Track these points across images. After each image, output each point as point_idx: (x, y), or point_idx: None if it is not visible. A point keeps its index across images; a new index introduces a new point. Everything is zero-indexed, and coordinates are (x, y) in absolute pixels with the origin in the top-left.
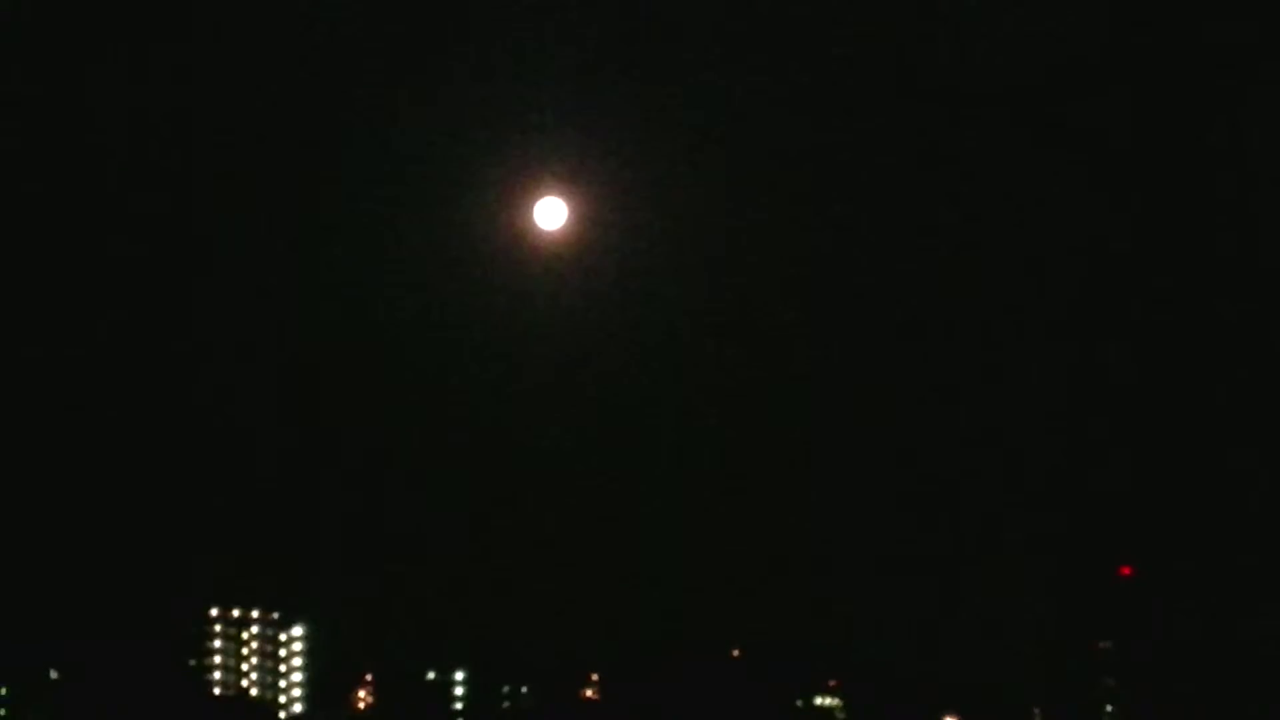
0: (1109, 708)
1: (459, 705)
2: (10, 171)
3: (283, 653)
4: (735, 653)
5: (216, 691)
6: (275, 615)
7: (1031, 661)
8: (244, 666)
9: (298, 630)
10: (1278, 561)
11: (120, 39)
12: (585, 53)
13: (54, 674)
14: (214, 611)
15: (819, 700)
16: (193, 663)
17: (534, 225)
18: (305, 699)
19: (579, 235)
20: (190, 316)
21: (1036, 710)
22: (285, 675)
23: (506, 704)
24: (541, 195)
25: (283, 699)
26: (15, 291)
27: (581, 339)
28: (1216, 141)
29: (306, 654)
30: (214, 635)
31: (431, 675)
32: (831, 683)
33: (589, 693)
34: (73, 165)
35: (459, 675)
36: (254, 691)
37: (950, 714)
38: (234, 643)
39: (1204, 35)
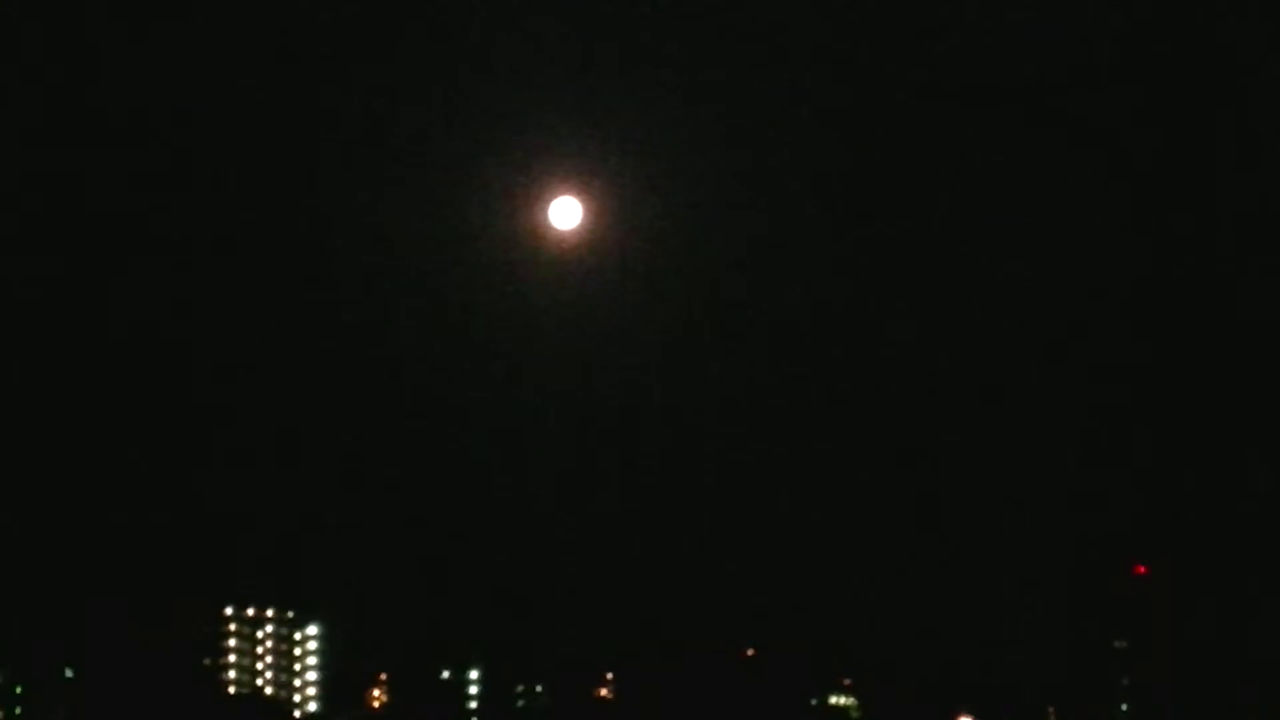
0: (1124, 707)
1: (473, 704)
2: (9, 171)
3: (297, 652)
4: (749, 652)
5: (231, 691)
6: (290, 614)
7: (1046, 660)
8: (259, 666)
9: (312, 629)
10: None
11: (119, 37)
12: (602, 49)
13: (69, 672)
14: (228, 611)
15: (833, 699)
16: (207, 662)
17: (548, 225)
18: (320, 698)
19: (594, 235)
20: (201, 316)
21: (1051, 709)
22: (300, 674)
23: (521, 703)
24: (556, 194)
25: (297, 698)
26: (21, 292)
27: (596, 339)
28: (1233, 142)
29: (321, 653)
30: (228, 634)
31: (446, 674)
32: (846, 681)
33: (603, 692)
34: (71, 165)
35: (473, 674)
36: (269, 691)
37: (965, 713)
38: (249, 642)
39: (1220, 34)
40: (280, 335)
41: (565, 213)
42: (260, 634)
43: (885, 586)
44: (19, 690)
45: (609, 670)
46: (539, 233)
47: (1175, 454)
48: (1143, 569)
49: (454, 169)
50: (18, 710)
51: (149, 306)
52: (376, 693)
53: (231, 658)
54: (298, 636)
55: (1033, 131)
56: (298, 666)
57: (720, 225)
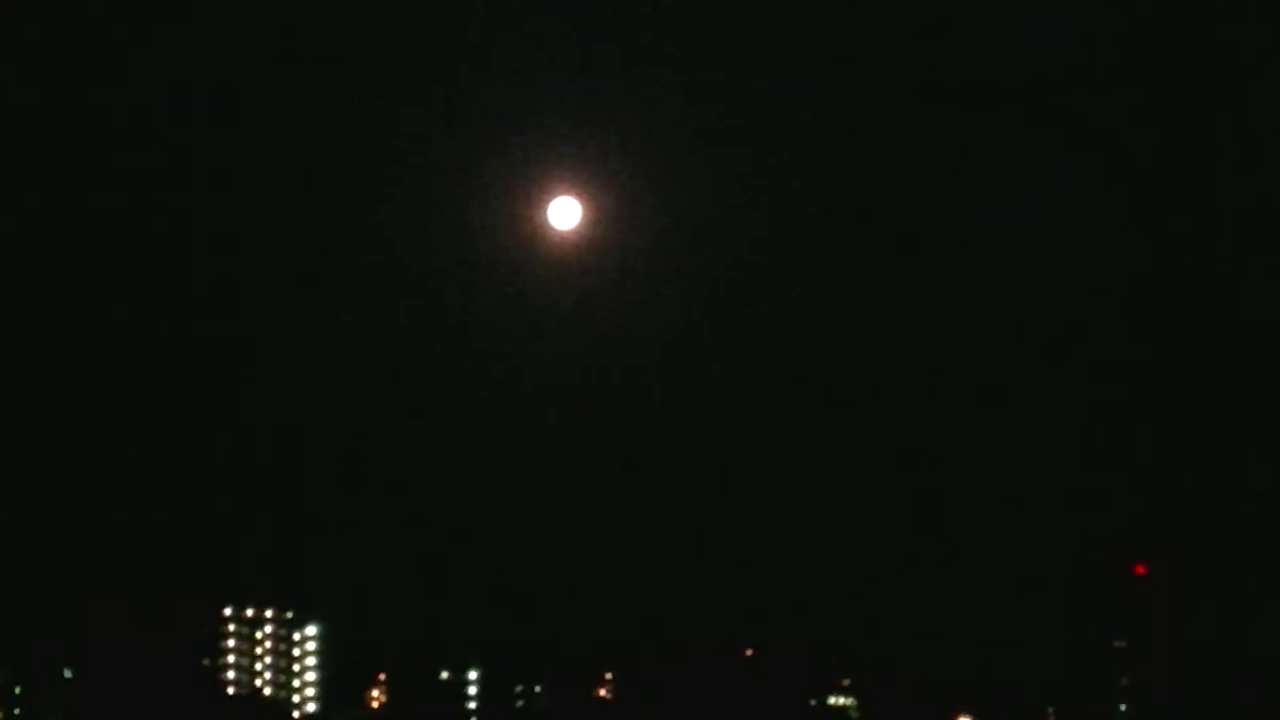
0: (1123, 707)
1: (472, 705)
2: (9, 171)
3: (296, 652)
4: (748, 652)
5: (230, 691)
6: (289, 615)
7: (1046, 660)
8: (258, 666)
9: (311, 630)
10: None
11: (118, 37)
12: (601, 49)
13: (68, 673)
14: (227, 611)
15: (832, 699)
16: (206, 662)
17: (547, 225)
18: (319, 698)
19: (593, 235)
20: (198, 317)
21: (1051, 709)
22: (299, 675)
23: (520, 703)
24: (555, 194)
25: (296, 698)
26: (21, 292)
27: (595, 339)
28: (1233, 142)
29: (320, 653)
30: (228, 635)
31: (445, 675)
32: (845, 681)
33: (603, 692)
34: (72, 165)
35: (472, 675)
36: (267, 691)
37: (964, 713)
38: (248, 642)
39: (1220, 34)
40: (280, 335)
41: (564, 212)
42: (259, 634)
43: (885, 587)
44: (19, 690)
45: (608, 671)
46: (538, 233)
47: (1175, 454)
48: (1142, 569)
49: (454, 169)
50: (17, 710)
51: (149, 306)
52: (376, 693)
53: (230, 658)
54: (297, 637)
55: (1033, 131)
56: (297, 667)
57: (720, 225)
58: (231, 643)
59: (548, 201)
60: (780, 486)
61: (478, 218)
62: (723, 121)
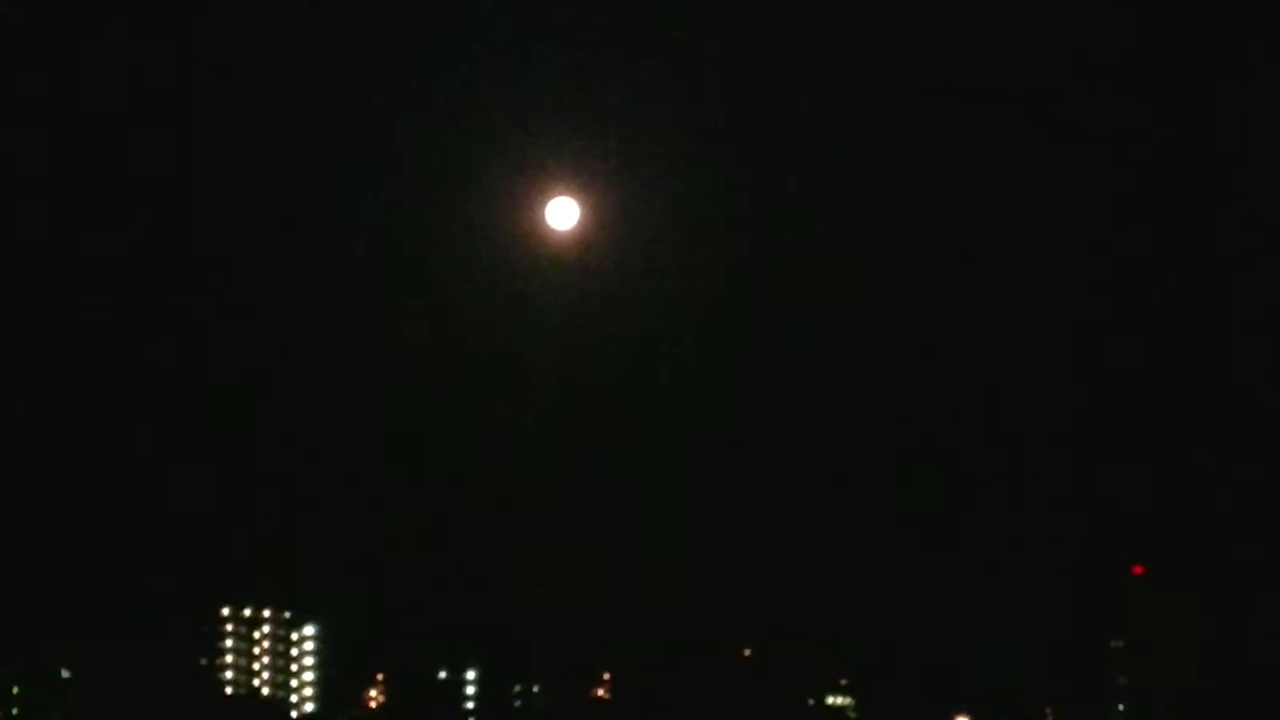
0: (1121, 706)
1: (470, 704)
2: (11, 172)
3: (294, 652)
4: (747, 652)
5: (228, 691)
6: (287, 615)
7: (1044, 660)
8: (255, 666)
9: (309, 629)
10: None
11: (119, 37)
12: (599, 50)
13: (66, 673)
14: (225, 611)
15: (831, 699)
16: (204, 662)
17: (546, 225)
18: (317, 698)
19: (591, 235)
20: (198, 319)
21: (1049, 709)
22: (297, 674)
23: (518, 703)
24: (553, 195)
25: (294, 698)
26: (22, 292)
27: (592, 339)
28: (1229, 140)
29: (318, 653)
30: (226, 635)
31: (443, 674)
32: (843, 681)
33: (600, 692)
34: (66, 165)
35: (470, 674)
36: (265, 691)
37: (962, 713)
38: (246, 642)
39: (1216, 34)
40: (280, 335)
41: (563, 213)
42: (257, 634)
43: (883, 587)
44: (16, 690)
45: (607, 671)
46: (537, 233)
47: (1175, 454)
48: (1141, 569)
49: (454, 169)
50: (15, 710)
51: (150, 308)
52: (373, 692)
53: (228, 658)
54: (295, 637)
55: (1033, 131)
56: (295, 667)
57: (718, 224)
58: (229, 643)
59: (546, 201)
60: (780, 487)
61: (478, 218)
62: (721, 121)
